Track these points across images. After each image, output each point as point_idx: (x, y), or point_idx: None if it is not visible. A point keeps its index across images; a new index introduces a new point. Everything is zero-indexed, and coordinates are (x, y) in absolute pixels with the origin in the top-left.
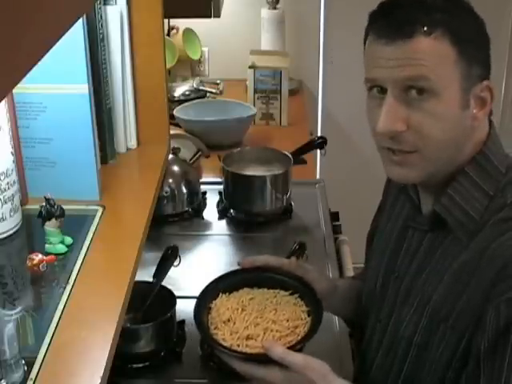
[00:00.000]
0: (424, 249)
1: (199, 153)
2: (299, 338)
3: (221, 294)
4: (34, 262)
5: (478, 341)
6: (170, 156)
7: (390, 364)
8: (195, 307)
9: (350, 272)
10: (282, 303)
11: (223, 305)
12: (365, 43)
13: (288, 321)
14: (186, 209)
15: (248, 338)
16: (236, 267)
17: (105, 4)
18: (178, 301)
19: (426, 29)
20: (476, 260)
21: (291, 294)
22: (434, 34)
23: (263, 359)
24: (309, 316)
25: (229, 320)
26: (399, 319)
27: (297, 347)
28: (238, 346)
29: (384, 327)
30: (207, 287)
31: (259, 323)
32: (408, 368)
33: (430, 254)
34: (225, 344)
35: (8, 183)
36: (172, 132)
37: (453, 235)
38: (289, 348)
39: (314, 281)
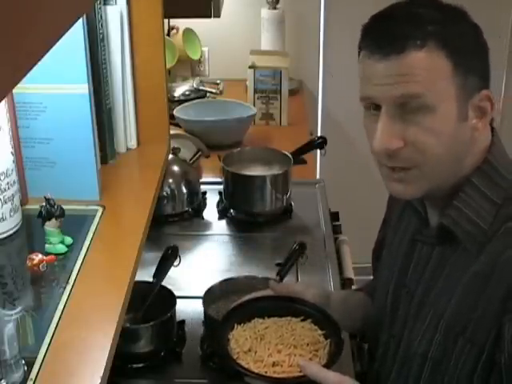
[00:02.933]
0: (433, 263)
1: (199, 153)
2: (326, 359)
3: (236, 326)
4: (34, 262)
5: (498, 354)
6: (170, 156)
7: (404, 380)
8: (216, 338)
9: (349, 272)
10: (298, 329)
11: (241, 335)
12: (359, 57)
13: (308, 345)
14: (186, 209)
15: (274, 364)
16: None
17: (105, 4)
18: (178, 301)
19: (418, 42)
20: (488, 271)
21: (303, 320)
22: (426, 48)
23: (295, 382)
24: (326, 339)
25: (250, 350)
26: (412, 335)
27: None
28: (266, 373)
29: (397, 343)
30: (224, 318)
31: (281, 350)
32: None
33: (439, 267)
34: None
35: (8, 183)
36: (172, 132)
37: (462, 247)
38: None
39: (302, 292)
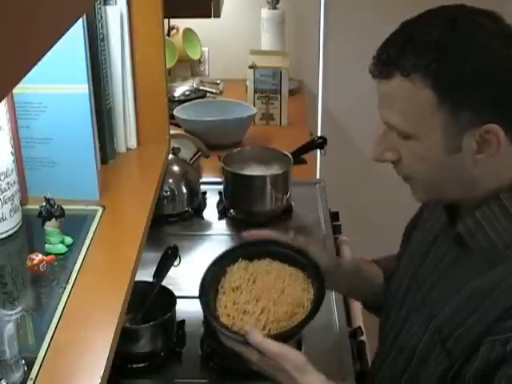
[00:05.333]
0: (446, 263)
1: (199, 153)
2: (291, 326)
3: (240, 260)
4: (34, 262)
5: (467, 369)
6: (170, 156)
7: (395, 369)
8: (210, 265)
9: None
10: (293, 286)
11: (238, 271)
12: None
13: (289, 305)
14: (186, 209)
15: (245, 312)
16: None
17: (105, 4)
18: (178, 301)
19: (404, 72)
20: (489, 290)
21: (307, 278)
22: (411, 77)
23: (243, 340)
24: (310, 305)
25: (237, 288)
26: (410, 328)
27: (283, 335)
28: (234, 317)
29: (397, 332)
30: (229, 250)
31: (261, 299)
32: (406, 379)
33: (451, 267)
34: (223, 311)
35: (8, 183)
36: (172, 132)
37: (475, 256)
38: (274, 335)
39: (315, 253)
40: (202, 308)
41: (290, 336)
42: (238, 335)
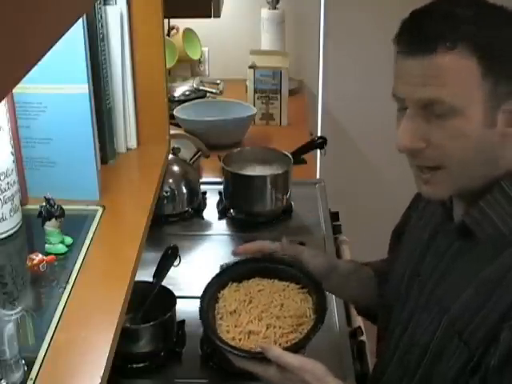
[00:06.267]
0: (450, 255)
1: (199, 153)
2: (301, 337)
3: (230, 283)
4: (34, 262)
5: (488, 358)
6: (170, 156)
7: (404, 368)
8: (202, 295)
9: None
10: (290, 298)
11: (231, 295)
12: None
13: (292, 317)
14: (186, 209)
15: (250, 333)
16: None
17: (105, 4)
18: (178, 301)
19: (448, 44)
20: (500, 277)
21: (301, 289)
22: (456, 50)
23: (260, 357)
24: (315, 314)
25: (235, 311)
26: (417, 324)
27: (296, 347)
28: (240, 340)
29: (403, 330)
30: (217, 275)
31: (263, 318)
32: (420, 376)
33: (455, 261)
34: (227, 336)
35: (8, 183)
36: (172, 132)
37: (480, 247)
38: (286, 348)
39: (308, 260)
40: (210, 337)
41: (302, 347)
42: (256, 353)
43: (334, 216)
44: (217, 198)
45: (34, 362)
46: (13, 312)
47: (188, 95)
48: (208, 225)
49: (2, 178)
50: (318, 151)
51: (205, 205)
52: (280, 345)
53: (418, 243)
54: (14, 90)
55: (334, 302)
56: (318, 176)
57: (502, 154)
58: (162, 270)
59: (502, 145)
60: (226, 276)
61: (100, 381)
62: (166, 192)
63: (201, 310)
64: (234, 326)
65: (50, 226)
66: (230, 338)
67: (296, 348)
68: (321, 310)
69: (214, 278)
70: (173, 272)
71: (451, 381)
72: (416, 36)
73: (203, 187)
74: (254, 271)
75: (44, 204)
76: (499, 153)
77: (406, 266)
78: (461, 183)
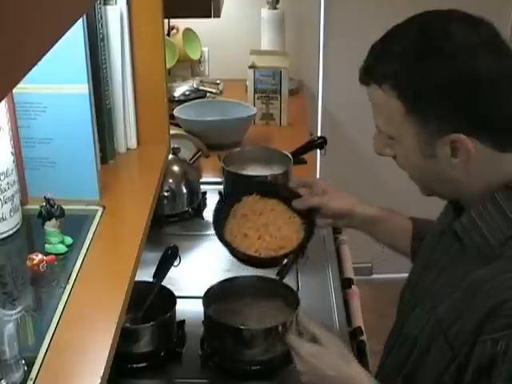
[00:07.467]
0: (449, 256)
1: (199, 153)
2: (274, 255)
3: (255, 194)
4: (34, 262)
5: (467, 364)
6: (170, 156)
7: (400, 357)
8: (231, 193)
9: (349, 272)
10: (289, 227)
11: (250, 202)
12: None
13: (280, 240)
14: (186, 209)
15: (245, 235)
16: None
17: (105, 4)
18: (178, 301)
19: (376, 80)
20: (484, 281)
21: (302, 224)
22: (383, 86)
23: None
24: (298, 247)
25: (245, 215)
26: (413, 317)
27: (268, 260)
28: (236, 236)
29: (403, 321)
30: (259, 183)
31: (260, 229)
32: (409, 368)
33: (452, 260)
34: (229, 230)
35: (8, 183)
36: (172, 132)
37: (470, 253)
38: (262, 257)
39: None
40: (221, 237)
41: (272, 263)
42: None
43: None
44: (217, 197)
45: (34, 362)
46: (13, 312)
47: (188, 95)
48: (208, 225)
49: (2, 178)
50: (318, 151)
51: (205, 205)
52: (260, 254)
53: (431, 239)
54: (14, 90)
55: (334, 303)
56: (318, 176)
57: (464, 178)
58: (162, 270)
59: (459, 173)
60: (255, 188)
61: (100, 381)
62: (166, 192)
63: (219, 201)
64: (237, 226)
65: (50, 226)
66: (229, 230)
67: (267, 261)
68: (302, 245)
69: (253, 184)
70: (173, 272)
71: (435, 378)
72: (362, 66)
73: (203, 187)
74: (278, 195)
75: (44, 204)
76: (458, 177)
77: (420, 261)
78: (429, 191)
